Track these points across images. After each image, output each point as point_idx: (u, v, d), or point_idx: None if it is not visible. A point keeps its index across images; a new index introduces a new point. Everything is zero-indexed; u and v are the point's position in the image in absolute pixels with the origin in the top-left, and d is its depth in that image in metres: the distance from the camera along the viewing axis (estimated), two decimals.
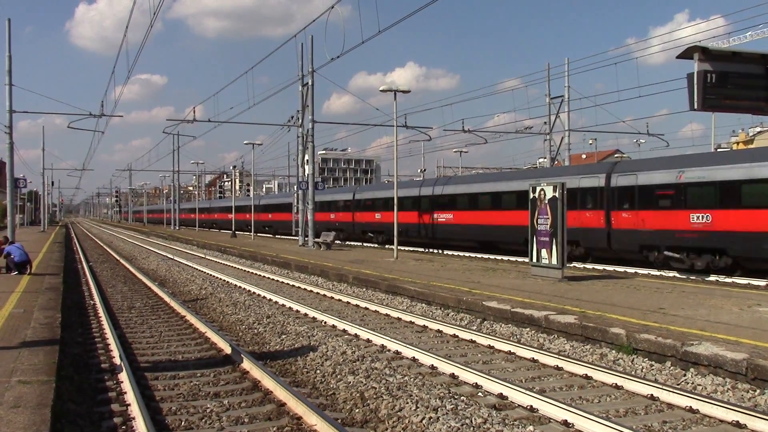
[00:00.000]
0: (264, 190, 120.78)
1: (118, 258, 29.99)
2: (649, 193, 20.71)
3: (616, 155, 77.28)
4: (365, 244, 37.69)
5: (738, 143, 66.47)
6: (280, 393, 7.23)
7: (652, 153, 52.04)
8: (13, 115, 28.26)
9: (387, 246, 36.05)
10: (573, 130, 37.45)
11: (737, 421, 6.28)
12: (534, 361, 9.00)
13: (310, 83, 31.73)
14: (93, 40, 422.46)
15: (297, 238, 36.78)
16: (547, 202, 15.78)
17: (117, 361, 8.86)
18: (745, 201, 18.05)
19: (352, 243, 38.06)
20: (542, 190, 15.98)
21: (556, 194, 15.50)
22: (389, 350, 9.76)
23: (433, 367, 8.65)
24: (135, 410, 6.67)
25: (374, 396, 7.24)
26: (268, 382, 7.71)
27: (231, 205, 59.07)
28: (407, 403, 6.89)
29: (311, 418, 6.34)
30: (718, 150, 43.76)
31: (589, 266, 22.10)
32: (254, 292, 16.71)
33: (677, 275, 19.23)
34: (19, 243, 19.69)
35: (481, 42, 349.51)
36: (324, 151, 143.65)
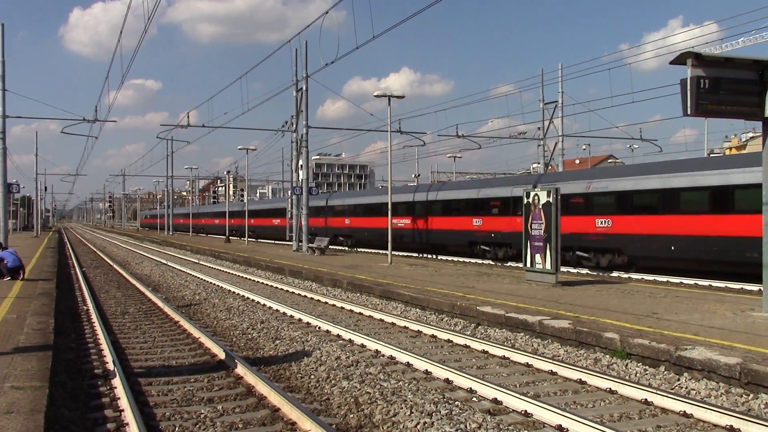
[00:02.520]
0: (258, 195, 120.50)
1: (111, 263, 29.87)
2: (565, 201, 23.35)
3: (609, 161, 77.61)
4: (337, 248, 39.42)
5: (731, 148, 66.91)
6: (274, 398, 7.21)
7: (645, 158, 52.27)
8: (6, 120, 28.23)
9: (356, 249, 38.36)
10: (566, 136, 37.68)
11: (731, 426, 6.29)
12: (528, 365, 9.01)
13: (304, 88, 31.76)
14: (87, 45, 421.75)
15: (290, 243, 36.85)
16: (541, 207, 15.82)
17: (110, 366, 8.81)
18: (636, 208, 21.57)
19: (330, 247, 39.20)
20: (536, 195, 16.03)
21: (550, 199, 15.55)
22: (383, 355, 9.75)
23: (427, 372, 8.64)
24: (128, 416, 6.63)
25: (369, 401, 7.23)
26: (262, 388, 7.68)
27: (223, 210, 59.19)
28: (402, 408, 6.88)
29: (305, 423, 6.32)
30: (711, 155, 44.04)
31: (583, 271, 22.30)
32: (248, 298, 16.67)
33: (671, 280, 19.35)
34: (12, 248, 19.60)
35: (475, 47, 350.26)
36: (318, 157, 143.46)
